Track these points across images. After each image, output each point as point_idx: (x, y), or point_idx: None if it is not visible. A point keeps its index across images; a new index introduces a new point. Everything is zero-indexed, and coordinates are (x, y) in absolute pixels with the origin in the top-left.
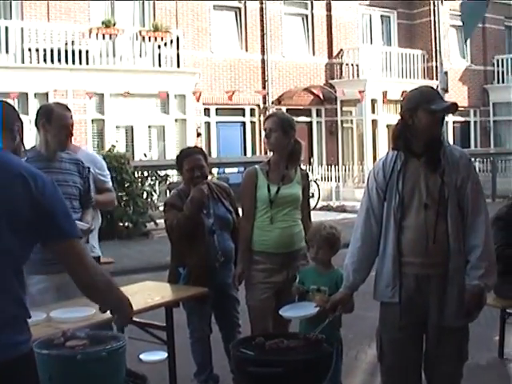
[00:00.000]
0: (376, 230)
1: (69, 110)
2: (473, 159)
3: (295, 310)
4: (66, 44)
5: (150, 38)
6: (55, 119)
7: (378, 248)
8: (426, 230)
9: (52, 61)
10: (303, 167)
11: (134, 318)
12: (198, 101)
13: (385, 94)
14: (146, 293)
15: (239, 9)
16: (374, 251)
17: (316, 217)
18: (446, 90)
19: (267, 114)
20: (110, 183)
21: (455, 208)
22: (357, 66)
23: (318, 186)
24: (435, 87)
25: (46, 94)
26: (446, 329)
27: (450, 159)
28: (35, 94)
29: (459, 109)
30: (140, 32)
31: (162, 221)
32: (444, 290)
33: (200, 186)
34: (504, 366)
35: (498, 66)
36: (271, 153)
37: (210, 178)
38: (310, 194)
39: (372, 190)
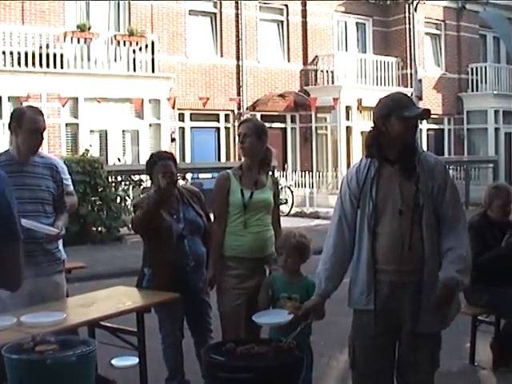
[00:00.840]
0: (349, 238)
1: (41, 113)
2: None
3: (269, 316)
4: (41, 47)
5: (125, 42)
6: (26, 123)
7: (350, 255)
8: (400, 237)
9: (26, 64)
10: (276, 173)
11: (105, 323)
12: (173, 107)
13: (359, 100)
14: (117, 298)
15: (215, 14)
16: (346, 258)
17: (289, 223)
18: (420, 98)
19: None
20: (72, 186)
21: (430, 215)
22: (332, 72)
23: (291, 192)
24: (409, 95)
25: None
26: (421, 335)
27: (425, 166)
28: (9, 98)
29: (433, 116)
30: (115, 36)
31: None
32: (419, 296)
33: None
34: (475, 372)
35: (472, 74)
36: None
37: (183, 182)
38: (284, 200)
39: (345, 197)
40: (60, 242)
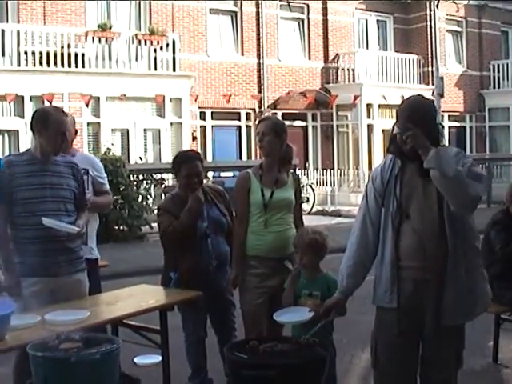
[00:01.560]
0: (372, 236)
1: (65, 114)
2: None
3: (289, 314)
4: (62, 47)
5: (146, 41)
6: (52, 124)
7: (374, 253)
8: (423, 234)
9: (48, 64)
10: (298, 171)
11: (129, 321)
12: (196, 101)
13: (382, 98)
14: (141, 296)
15: (235, 13)
16: (369, 257)
17: (311, 221)
18: (441, 95)
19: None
20: (108, 186)
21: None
22: (353, 70)
23: (313, 190)
24: (431, 92)
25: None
26: (444, 331)
27: None
28: (31, 97)
29: (455, 114)
30: (136, 35)
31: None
32: (441, 293)
33: (197, 195)
34: (498, 371)
35: (493, 71)
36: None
37: (205, 181)
38: (305, 199)
39: (370, 196)
40: (94, 241)
